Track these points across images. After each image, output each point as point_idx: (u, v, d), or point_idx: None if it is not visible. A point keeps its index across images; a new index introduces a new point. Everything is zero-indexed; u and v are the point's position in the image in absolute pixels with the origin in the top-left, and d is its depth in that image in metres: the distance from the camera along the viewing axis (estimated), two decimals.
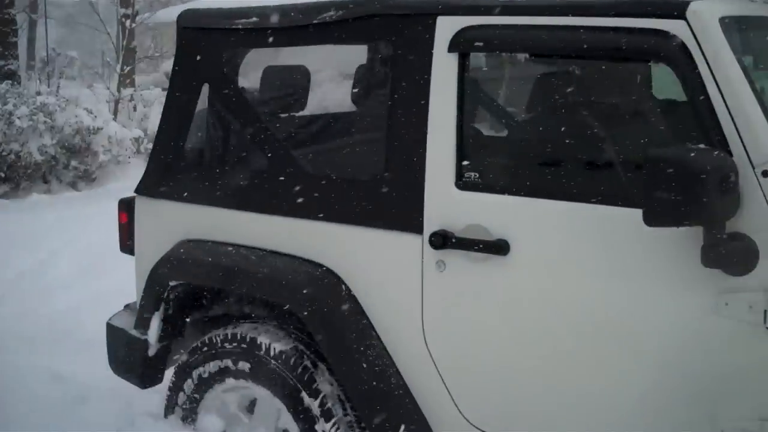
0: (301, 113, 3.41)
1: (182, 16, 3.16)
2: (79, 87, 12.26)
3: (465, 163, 2.51)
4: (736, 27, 2.27)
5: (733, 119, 2.11)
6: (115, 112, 12.72)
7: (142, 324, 3.18)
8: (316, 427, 2.74)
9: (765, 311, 2.11)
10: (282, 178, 2.88)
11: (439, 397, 2.62)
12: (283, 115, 3.35)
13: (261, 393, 2.87)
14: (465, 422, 2.60)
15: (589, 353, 2.37)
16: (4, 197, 9.64)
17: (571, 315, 2.37)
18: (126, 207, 3.37)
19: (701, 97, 2.14)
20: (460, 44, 2.50)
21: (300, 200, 2.81)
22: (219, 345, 2.92)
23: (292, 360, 2.78)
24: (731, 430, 2.21)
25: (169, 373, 3.25)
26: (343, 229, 2.73)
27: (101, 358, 3.41)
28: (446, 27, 2.51)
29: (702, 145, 2.08)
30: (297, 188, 2.83)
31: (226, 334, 2.91)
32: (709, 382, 2.21)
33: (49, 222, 8.05)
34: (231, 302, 3.27)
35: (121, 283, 5.56)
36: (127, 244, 3.41)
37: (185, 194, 3.10)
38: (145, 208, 3.26)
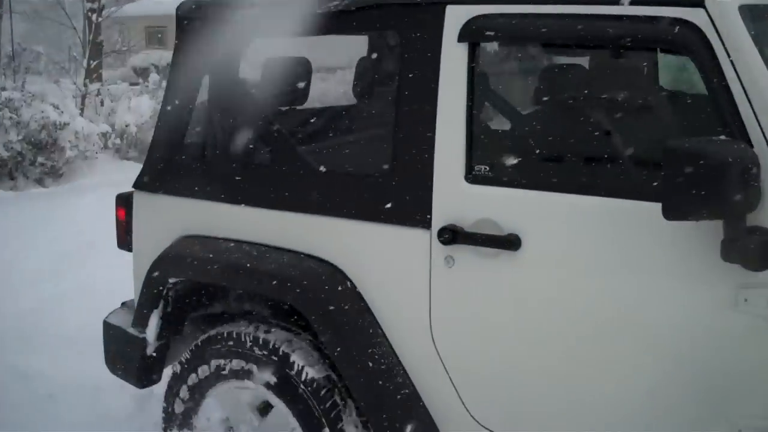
0: (304, 106, 3.35)
1: (181, 7, 3.10)
2: (45, 82, 12.12)
3: (475, 156, 2.45)
4: (756, 15, 2.20)
5: (753, 110, 2.06)
6: (82, 107, 12.61)
7: (140, 322, 3.11)
8: None
9: None
10: (285, 172, 2.82)
11: (447, 395, 2.57)
12: (285, 108, 3.29)
13: (280, 407, 2.77)
14: (473, 421, 2.54)
15: (603, 350, 2.32)
16: None
17: (584, 311, 2.32)
18: (124, 202, 3.30)
19: (721, 87, 2.09)
20: (471, 34, 2.43)
21: (304, 195, 2.75)
22: (248, 346, 2.80)
23: (323, 392, 2.69)
24: (747, 428, 2.16)
25: (167, 372, 3.18)
26: (348, 224, 2.66)
27: (69, 356, 3.38)
28: (456, 16, 2.45)
29: (723, 137, 2.03)
30: (301, 182, 2.77)
31: (258, 338, 2.78)
32: (726, 379, 2.16)
33: (16, 219, 7.98)
34: (231, 299, 3.20)
35: (87, 280, 5.59)
36: (125, 241, 3.33)
37: (185, 189, 3.03)
38: (143, 203, 3.19)
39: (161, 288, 3.04)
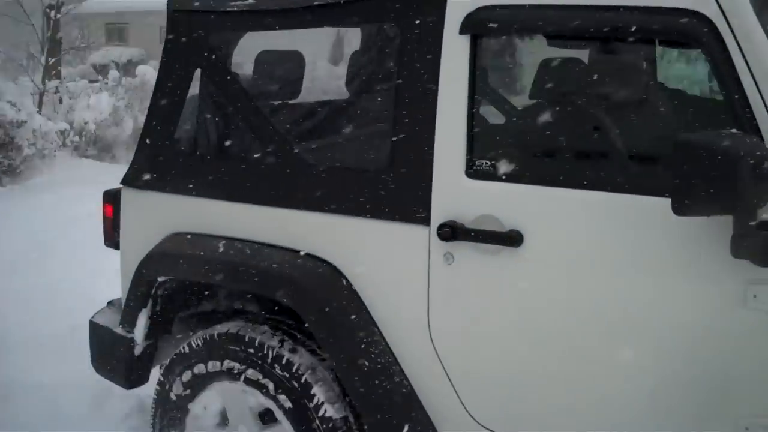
0: (297, 100, 3.29)
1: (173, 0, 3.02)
2: (2, 80, 11.95)
3: (476, 150, 2.40)
4: (767, 4, 2.17)
5: (765, 102, 2.02)
6: (40, 105, 12.54)
7: (128, 321, 3.04)
8: None
9: None
10: (279, 168, 2.75)
11: (445, 395, 2.52)
12: (278, 102, 3.22)
13: (286, 426, 2.68)
14: (472, 421, 2.49)
15: (608, 349, 2.27)
16: None
17: (589, 310, 2.27)
18: (111, 199, 3.22)
19: (731, 79, 2.05)
20: (473, 26, 2.38)
21: (298, 191, 2.68)
22: (269, 361, 2.68)
23: None
24: (754, 426, 2.13)
25: (155, 373, 3.11)
26: (343, 220, 2.60)
27: (25, 357, 3.30)
28: (457, 7, 2.40)
29: (734, 130, 1.99)
30: (295, 178, 2.71)
31: (281, 357, 2.66)
32: (733, 376, 2.13)
33: None
34: (222, 297, 3.13)
35: (44, 279, 5.52)
36: (112, 238, 3.25)
37: (175, 185, 2.96)
38: (131, 199, 3.11)
39: (150, 287, 2.97)
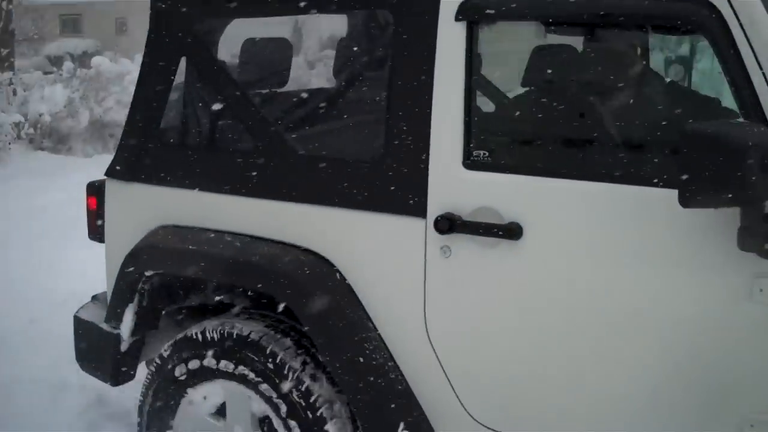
0: (285, 89, 3.21)
1: None
2: None
3: (474, 140, 2.34)
4: None
5: None
6: None
7: (114, 317, 2.96)
8: None
9: None
10: (270, 159, 2.68)
11: (442, 393, 2.47)
12: (266, 91, 3.15)
13: None
14: (470, 419, 2.45)
15: (610, 344, 2.23)
16: None
17: (590, 304, 2.23)
18: (95, 191, 3.14)
19: (738, 69, 2.00)
20: (469, 12, 2.31)
21: (290, 182, 2.61)
22: (288, 385, 2.58)
23: None
24: (759, 423, 2.09)
25: (141, 369, 3.04)
26: (337, 213, 2.54)
27: None
28: None
29: (742, 120, 1.94)
30: (286, 169, 2.64)
31: (302, 382, 2.56)
32: (738, 371, 2.10)
33: None
34: (210, 291, 3.06)
35: (2, 274, 5.45)
36: (95, 231, 3.17)
37: (161, 177, 2.88)
38: (116, 192, 3.03)
39: (136, 281, 2.89)
